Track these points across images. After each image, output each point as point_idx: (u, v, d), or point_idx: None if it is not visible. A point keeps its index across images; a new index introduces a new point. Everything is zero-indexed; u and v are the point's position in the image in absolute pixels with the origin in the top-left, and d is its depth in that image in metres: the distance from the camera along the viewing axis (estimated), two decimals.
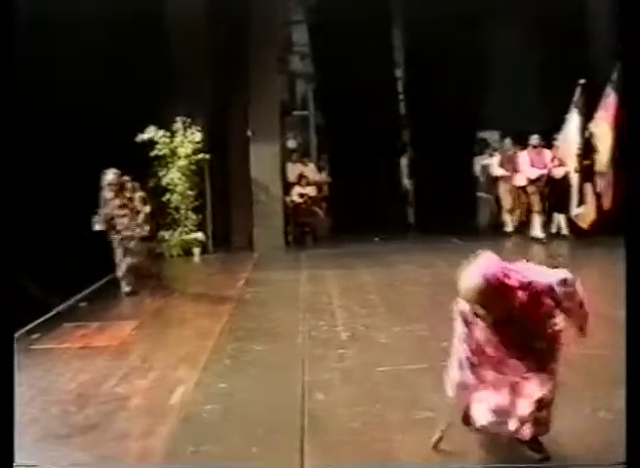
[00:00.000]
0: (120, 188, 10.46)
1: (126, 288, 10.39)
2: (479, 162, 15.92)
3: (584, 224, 13.53)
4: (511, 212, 15.06)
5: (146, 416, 5.55)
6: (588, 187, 13.50)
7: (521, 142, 14.91)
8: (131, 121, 12.94)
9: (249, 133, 13.90)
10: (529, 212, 14.62)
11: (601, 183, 13.27)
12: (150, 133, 13.53)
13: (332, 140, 16.79)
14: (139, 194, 10.80)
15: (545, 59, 15.77)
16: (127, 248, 10.43)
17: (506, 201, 15.02)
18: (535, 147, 14.28)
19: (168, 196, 14.09)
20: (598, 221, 13.30)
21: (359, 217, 14.83)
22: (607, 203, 12.95)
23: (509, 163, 14.75)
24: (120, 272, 10.44)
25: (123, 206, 10.45)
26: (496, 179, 15.30)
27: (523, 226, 14.90)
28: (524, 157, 14.38)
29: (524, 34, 15.94)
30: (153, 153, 13.67)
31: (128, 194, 10.57)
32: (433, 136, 15.71)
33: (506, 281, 4.00)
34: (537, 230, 14.17)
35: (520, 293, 4.05)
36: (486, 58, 16.37)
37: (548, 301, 4.16)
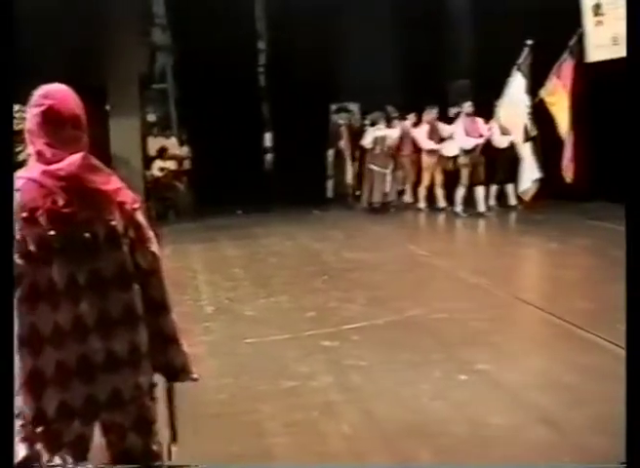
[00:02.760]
0: None
1: None
2: (373, 133, 14.71)
3: (527, 197, 12.85)
4: (417, 185, 14.30)
5: None
6: (533, 159, 12.64)
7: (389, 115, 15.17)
8: None
9: (107, 107, 13.62)
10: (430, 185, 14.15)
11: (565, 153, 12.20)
12: None
13: (192, 114, 16.60)
14: None
15: (406, 34, 16.01)
16: None
17: (426, 175, 14.11)
18: (468, 115, 13.47)
19: None
20: (541, 194, 12.67)
21: (221, 191, 14.75)
22: (569, 175, 12.07)
23: (435, 134, 14.03)
24: None
25: None
26: (397, 150, 14.59)
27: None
28: (459, 125, 13.53)
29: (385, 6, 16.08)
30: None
31: None
32: (292, 108, 15.72)
33: None
34: (480, 204, 13.36)
35: None
36: (347, 30, 16.38)
37: None
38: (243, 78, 15.86)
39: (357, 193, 15.55)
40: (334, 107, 16.59)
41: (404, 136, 14.48)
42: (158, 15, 16.32)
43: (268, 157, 17.08)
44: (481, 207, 13.34)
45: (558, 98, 12.19)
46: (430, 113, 14.14)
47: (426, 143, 14.05)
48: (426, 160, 14.13)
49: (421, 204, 14.28)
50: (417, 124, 14.41)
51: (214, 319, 7.29)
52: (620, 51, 12.10)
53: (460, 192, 13.45)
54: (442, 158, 13.99)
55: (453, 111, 14.53)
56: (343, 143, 15.68)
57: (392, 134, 14.55)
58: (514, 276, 8.89)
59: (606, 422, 4.44)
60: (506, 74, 12.82)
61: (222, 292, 8.35)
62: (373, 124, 14.92)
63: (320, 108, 16.09)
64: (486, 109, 13.15)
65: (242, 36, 15.92)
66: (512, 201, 13.52)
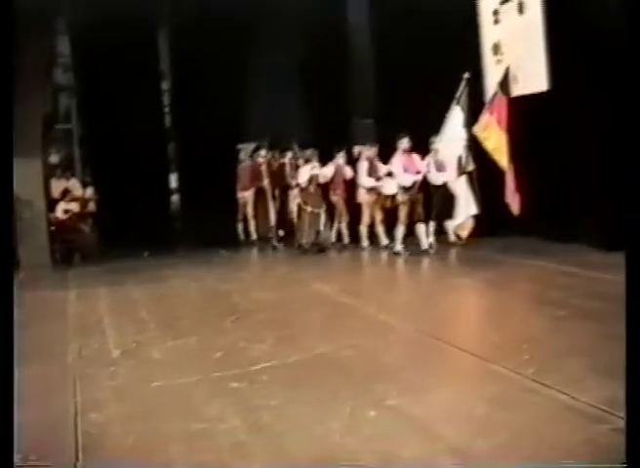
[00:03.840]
0: None
1: None
2: (309, 171, 14.27)
3: (463, 233, 13.10)
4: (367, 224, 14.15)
5: None
6: (469, 194, 12.88)
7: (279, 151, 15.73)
8: None
9: None
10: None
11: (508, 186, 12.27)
12: None
13: (96, 155, 16.43)
14: None
15: (312, 74, 16.25)
16: None
17: (367, 214, 14.07)
18: (404, 152, 13.13)
19: None
20: (477, 230, 13.02)
21: (127, 233, 14.60)
22: (515, 207, 12.15)
23: (374, 171, 13.83)
24: None
25: None
26: (329, 189, 14.42)
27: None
28: (396, 162, 13.16)
29: (288, 44, 16.28)
30: None
31: None
32: (198, 148, 15.71)
33: None
34: (423, 242, 13.07)
35: None
36: (250, 70, 16.50)
37: None
38: (148, 119, 15.80)
39: (280, 233, 15.61)
40: (252, 146, 16.48)
41: (336, 175, 14.31)
42: (62, 54, 16.13)
43: (174, 198, 16.99)
44: (424, 244, 13.03)
45: (491, 133, 12.25)
46: (370, 150, 14.00)
47: (366, 181, 13.86)
48: (365, 198, 13.99)
49: (364, 243, 14.14)
50: (349, 162, 14.37)
51: (120, 363, 7.15)
52: (519, 89, 12.51)
53: (400, 231, 13.14)
54: (381, 196, 13.85)
55: (357, 150, 14.68)
56: (266, 182, 15.56)
57: (327, 172, 14.31)
58: (423, 312, 8.97)
59: (501, 450, 4.53)
60: (411, 114, 13.11)
61: (129, 336, 8.20)
62: (307, 161, 14.63)
63: (227, 148, 16.06)
64: (390, 149, 13.34)
65: (146, 77, 15.87)
66: (451, 237, 13.61)
